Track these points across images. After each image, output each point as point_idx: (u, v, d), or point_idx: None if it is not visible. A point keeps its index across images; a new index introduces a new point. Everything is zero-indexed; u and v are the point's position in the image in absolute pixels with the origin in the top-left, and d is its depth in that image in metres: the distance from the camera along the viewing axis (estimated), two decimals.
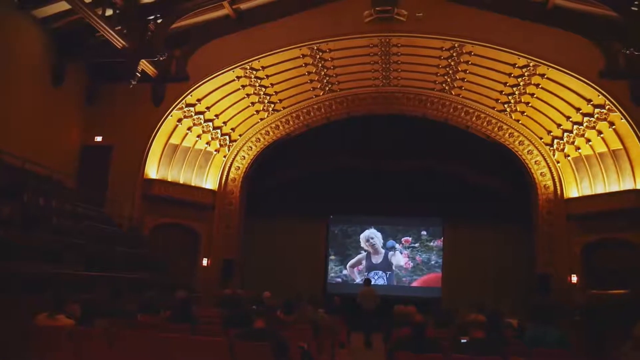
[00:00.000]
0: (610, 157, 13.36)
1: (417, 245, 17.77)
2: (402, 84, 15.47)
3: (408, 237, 17.81)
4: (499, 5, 13.18)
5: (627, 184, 13.07)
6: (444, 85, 14.91)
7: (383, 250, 17.74)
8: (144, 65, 13.32)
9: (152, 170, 14.47)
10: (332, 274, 17.88)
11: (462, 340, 5.24)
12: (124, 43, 12.64)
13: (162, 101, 14.22)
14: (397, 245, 17.64)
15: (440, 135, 15.90)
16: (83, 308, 6.07)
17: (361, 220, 18.18)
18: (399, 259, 17.50)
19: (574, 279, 13.77)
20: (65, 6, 11.94)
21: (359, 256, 17.87)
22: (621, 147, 13.09)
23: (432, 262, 17.51)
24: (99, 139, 14.68)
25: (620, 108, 12.55)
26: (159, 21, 13.21)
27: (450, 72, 14.38)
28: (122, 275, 10.42)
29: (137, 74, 13.03)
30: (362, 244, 18.00)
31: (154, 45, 13.03)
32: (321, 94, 15.72)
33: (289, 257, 17.63)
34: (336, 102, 16.09)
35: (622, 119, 12.65)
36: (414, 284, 17.40)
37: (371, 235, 18.03)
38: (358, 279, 17.55)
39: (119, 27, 12.65)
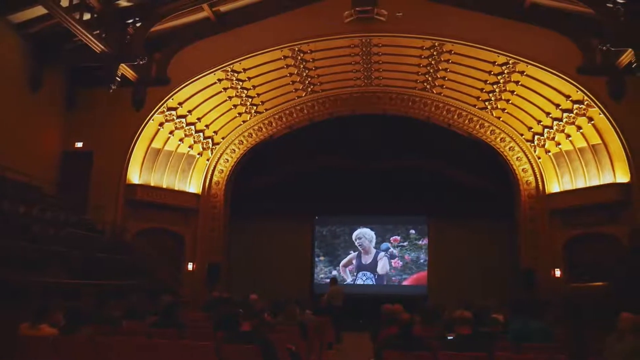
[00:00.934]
0: (590, 152, 13.56)
1: (405, 244, 17.82)
2: (383, 83, 15.52)
3: (397, 237, 17.87)
4: (478, 4, 13.30)
5: (606, 178, 13.28)
6: (425, 84, 15.00)
7: (374, 251, 17.78)
8: (124, 69, 13.19)
9: (135, 175, 14.30)
10: (322, 275, 17.87)
11: (449, 337, 5.28)
12: (102, 47, 12.51)
13: (143, 105, 14.09)
14: (391, 249, 17.62)
15: (423, 134, 15.98)
16: (67, 316, 5.99)
17: (347, 220, 18.21)
18: (385, 264, 17.49)
19: (558, 273, 13.95)
20: (42, 11, 11.78)
21: (350, 255, 17.89)
22: (600, 141, 13.29)
23: (422, 261, 17.55)
24: (79, 144, 14.50)
25: (599, 103, 12.75)
26: (138, 25, 13.10)
27: (431, 71, 14.48)
28: (107, 282, 10.32)
29: (117, 78, 12.90)
30: (355, 242, 18.06)
31: (133, 49, 12.90)
32: (303, 95, 15.71)
33: (275, 259, 17.57)
34: (319, 103, 16.09)
35: (600, 114, 12.84)
36: (405, 283, 17.45)
37: (359, 235, 18.05)
38: (349, 279, 17.59)
39: (97, 31, 12.52)
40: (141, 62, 13.03)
